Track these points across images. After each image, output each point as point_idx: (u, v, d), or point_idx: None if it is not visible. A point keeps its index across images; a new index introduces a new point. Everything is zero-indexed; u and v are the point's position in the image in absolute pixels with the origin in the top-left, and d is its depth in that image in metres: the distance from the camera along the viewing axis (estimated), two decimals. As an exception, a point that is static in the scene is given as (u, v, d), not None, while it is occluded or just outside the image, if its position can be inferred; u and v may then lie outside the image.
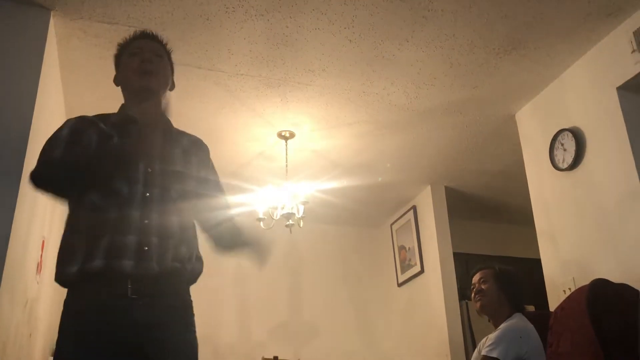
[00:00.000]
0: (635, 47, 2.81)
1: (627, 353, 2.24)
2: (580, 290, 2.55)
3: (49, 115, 2.91)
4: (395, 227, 5.36)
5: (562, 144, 3.25)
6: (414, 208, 5.00)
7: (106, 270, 1.47)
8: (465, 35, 3.00)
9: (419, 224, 4.93)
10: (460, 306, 4.52)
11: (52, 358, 3.12)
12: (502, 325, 2.54)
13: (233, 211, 1.83)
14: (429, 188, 4.81)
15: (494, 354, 2.39)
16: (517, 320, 2.54)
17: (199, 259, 1.67)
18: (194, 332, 1.61)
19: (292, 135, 3.95)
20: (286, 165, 3.99)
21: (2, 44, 2.62)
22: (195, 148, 1.79)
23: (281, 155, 4.04)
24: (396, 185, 4.79)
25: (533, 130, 3.59)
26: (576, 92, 3.23)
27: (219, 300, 4.80)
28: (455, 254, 4.66)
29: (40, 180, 1.55)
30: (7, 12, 2.66)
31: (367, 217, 5.47)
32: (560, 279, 3.19)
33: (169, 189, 1.63)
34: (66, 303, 1.53)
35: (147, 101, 1.70)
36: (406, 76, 3.34)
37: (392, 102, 3.60)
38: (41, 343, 3.25)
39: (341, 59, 3.17)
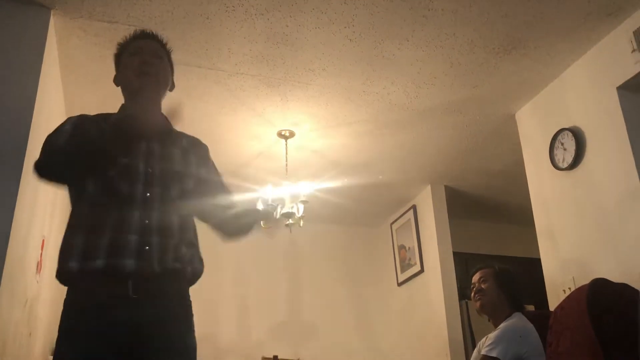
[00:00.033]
0: (635, 47, 2.81)
1: (627, 352, 2.24)
2: (580, 289, 2.55)
3: (49, 115, 2.91)
4: (395, 226, 5.36)
5: (562, 144, 3.25)
6: (414, 207, 5.00)
7: (107, 269, 1.47)
8: (465, 35, 3.00)
9: (419, 223, 4.93)
10: (460, 306, 4.52)
11: (51, 357, 3.12)
12: (502, 325, 2.54)
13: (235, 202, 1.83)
14: (429, 187, 4.81)
15: (493, 354, 2.39)
16: (516, 320, 2.54)
17: (200, 261, 1.67)
18: (193, 333, 1.61)
19: (292, 134, 3.95)
20: (286, 165, 3.99)
21: (2, 43, 2.61)
22: (195, 148, 1.80)
23: (281, 155, 4.04)
24: (396, 185, 4.79)
25: (533, 129, 3.58)
26: (576, 91, 3.23)
27: (219, 299, 4.80)
28: (455, 254, 4.66)
29: (44, 168, 1.54)
30: (7, 11, 2.66)
31: (367, 216, 5.47)
32: (560, 278, 3.19)
33: (170, 188, 1.63)
34: (66, 302, 1.53)
35: (147, 102, 1.70)
36: (406, 75, 3.34)
37: (392, 102, 3.60)
38: (41, 342, 3.25)
39: (341, 58, 3.17)
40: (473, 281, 2.75)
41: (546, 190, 3.43)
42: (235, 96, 3.50)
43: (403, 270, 5.14)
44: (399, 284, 5.21)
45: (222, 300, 4.87)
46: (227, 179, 1.86)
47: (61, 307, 1.53)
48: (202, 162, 1.79)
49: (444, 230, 4.67)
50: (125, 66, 1.74)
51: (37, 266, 2.90)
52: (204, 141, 1.86)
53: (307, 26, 2.92)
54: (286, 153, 4.00)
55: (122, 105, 1.75)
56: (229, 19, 2.85)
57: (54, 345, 1.55)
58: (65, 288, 1.56)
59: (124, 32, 1.97)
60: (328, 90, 3.47)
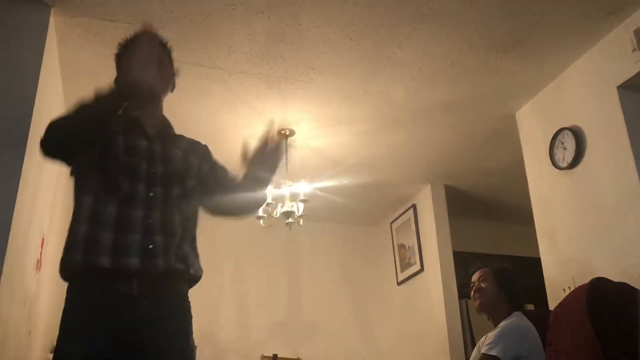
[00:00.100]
0: (635, 46, 2.80)
1: (627, 352, 2.24)
2: (579, 288, 2.55)
3: (49, 113, 2.90)
4: (395, 225, 5.36)
5: (562, 143, 3.25)
6: (414, 207, 5.00)
7: (113, 267, 1.48)
8: (465, 34, 3.00)
9: (419, 222, 4.93)
10: (460, 305, 4.52)
11: (51, 356, 3.12)
12: (502, 324, 2.54)
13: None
14: (428, 187, 4.81)
15: (493, 353, 2.39)
16: (516, 319, 2.54)
17: (199, 264, 1.68)
18: (192, 334, 1.62)
19: (292, 133, 3.95)
20: (286, 164, 3.98)
21: (2, 41, 2.61)
22: (194, 148, 1.81)
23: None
24: (396, 184, 4.79)
25: (533, 129, 3.58)
26: (576, 91, 3.23)
27: (219, 298, 4.80)
28: (454, 253, 4.66)
29: (48, 143, 1.54)
30: (7, 9, 2.66)
31: (367, 215, 5.47)
32: (560, 277, 3.19)
33: (172, 188, 1.64)
34: (68, 299, 1.53)
35: (149, 104, 1.72)
36: (406, 75, 3.34)
37: (393, 101, 3.60)
38: (40, 341, 3.25)
39: (341, 57, 3.17)
40: (473, 280, 2.75)
41: (546, 190, 3.43)
42: (236, 95, 3.50)
43: (403, 269, 5.14)
44: (399, 283, 5.21)
45: (222, 299, 4.87)
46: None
47: (61, 306, 1.53)
48: (204, 160, 1.80)
49: (444, 230, 4.67)
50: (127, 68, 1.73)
51: (37, 264, 2.90)
52: (204, 140, 1.87)
53: (308, 25, 2.92)
54: (286, 152, 4.00)
55: (125, 106, 1.75)
56: (229, 17, 2.85)
57: (53, 344, 1.55)
58: (65, 287, 1.56)
59: (124, 30, 1.97)
60: (328, 89, 3.47)
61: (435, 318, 4.53)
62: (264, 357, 4.44)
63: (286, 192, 3.97)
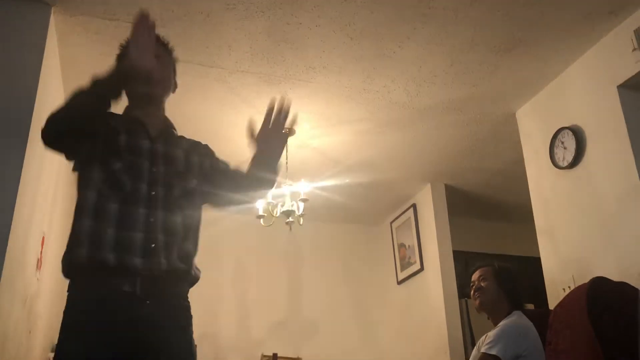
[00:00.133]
0: (636, 46, 2.80)
1: (626, 351, 2.24)
2: (579, 288, 2.55)
3: (49, 112, 2.90)
4: (395, 225, 5.36)
5: (563, 142, 3.25)
6: (414, 206, 5.00)
7: (117, 265, 1.48)
8: (466, 33, 3.00)
9: (419, 222, 4.93)
10: (460, 304, 4.52)
11: (51, 355, 3.12)
12: (502, 323, 2.54)
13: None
14: (429, 186, 4.81)
15: (493, 352, 2.39)
16: (516, 318, 2.55)
17: (197, 266, 1.68)
18: (192, 334, 1.62)
19: (292, 132, 3.94)
20: (286, 163, 3.98)
21: (2, 40, 2.61)
22: (195, 147, 1.82)
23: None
24: (396, 183, 4.79)
25: (533, 128, 3.58)
26: (577, 90, 3.23)
27: (219, 297, 4.80)
28: (454, 252, 4.66)
29: (48, 133, 1.56)
30: (8, 8, 2.65)
31: (367, 214, 5.47)
32: (560, 277, 3.19)
33: (173, 188, 1.65)
34: (70, 298, 1.53)
35: (151, 106, 1.74)
36: (407, 74, 3.34)
37: (393, 100, 3.60)
38: (41, 340, 3.25)
39: (342, 56, 3.17)
40: (473, 279, 2.75)
41: (546, 189, 3.43)
42: (236, 94, 3.50)
43: (403, 268, 5.14)
44: (399, 283, 5.21)
45: (222, 298, 4.87)
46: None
47: (61, 305, 1.52)
48: (205, 157, 1.81)
49: (444, 229, 4.68)
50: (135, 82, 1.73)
51: (37, 263, 2.91)
52: (204, 140, 1.88)
53: (308, 24, 2.92)
54: (286, 151, 4.00)
55: (127, 107, 1.77)
56: (230, 16, 2.85)
57: (54, 343, 1.55)
58: (66, 286, 1.56)
59: (124, 29, 1.97)
60: (328, 88, 3.47)
61: (435, 317, 4.53)
62: (264, 356, 4.43)
63: (286, 191, 3.97)
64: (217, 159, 1.84)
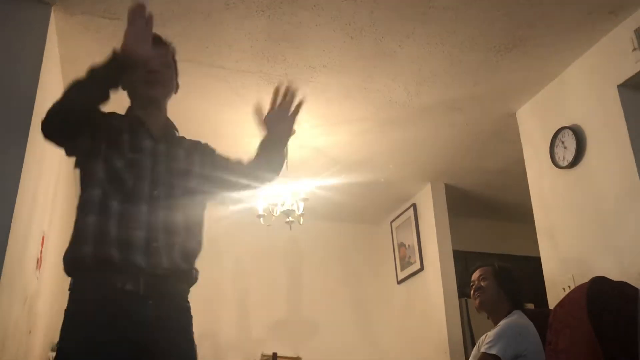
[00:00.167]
0: (636, 45, 2.80)
1: (626, 351, 2.24)
2: (579, 287, 2.55)
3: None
4: (395, 224, 5.36)
5: (563, 142, 3.25)
6: (414, 205, 5.00)
7: (120, 263, 1.48)
8: (466, 33, 2.99)
9: (419, 221, 4.93)
10: (460, 303, 4.52)
11: (52, 354, 3.12)
12: (502, 323, 2.55)
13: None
14: (429, 185, 4.81)
15: (493, 351, 2.39)
16: (516, 318, 2.55)
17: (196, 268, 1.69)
18: (193, 335, 1.62)
19: (292, 132, 3.94)
20: (286, 162, 3.97)
21: (2, 39, 2.61)
22: (196, 147, 1.82)
23: (281, 152, 4.03)
24: (396, 183, 4.79)
25: (533, 128, 3.58)
26: (577, 90, 3.23)
27: (219, 297, 4.80)
28: (454, 252, 4.66)
29: (48, 125, 1.56)
30: (8, 7, 2.65)
31: (367, 214, 5.47)
32: (560, 276, 3.19)
33: (175, 188, 1.65)
34: (72, 296, 1.52)
35: (154, 106, 1.75)
36: (407, 73, 3.34)
37: (393, 99, 3.60)
38: (41, 340, 3.25)
39: (342, 55, 3.17)
40: (473, 279, 2.75)
41: (546, 189, 3.43)
42: (236, 93, 3.50)
43: (403, 268, 5.14)
44: (399, 282, 5.21)
45: (222, 297, 4.87)
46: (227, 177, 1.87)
47: (62, 304, 1.52)
48: (205, 154, 1.81)
49: (444, 229, 4.68)
50: (132, 72, 1.73)
51: (37, 263, 2.90)
52: (204, 139, 1.88)
53: (308, 23, 2.91)
54: (286, 150, 3.99)
55: (129, 107, 1.77)
56: (230, 16, 2.85)
57: (54, 343, 1.55)
58: (66, 286, 1.56)
59: (125, 28, 1.96)
60: (329, 87, 3.47)
61: (435, 317, 4.53)
62: (264, 355, 4.43)
63: (287, 191, 3.96)
64: (217, 155, 1.84)
